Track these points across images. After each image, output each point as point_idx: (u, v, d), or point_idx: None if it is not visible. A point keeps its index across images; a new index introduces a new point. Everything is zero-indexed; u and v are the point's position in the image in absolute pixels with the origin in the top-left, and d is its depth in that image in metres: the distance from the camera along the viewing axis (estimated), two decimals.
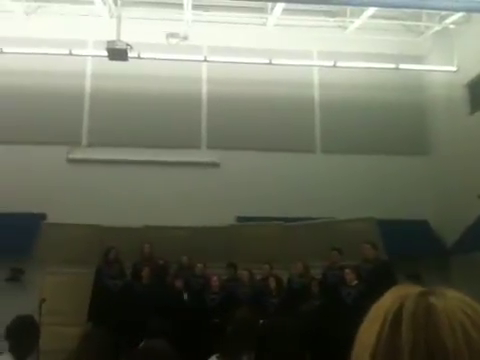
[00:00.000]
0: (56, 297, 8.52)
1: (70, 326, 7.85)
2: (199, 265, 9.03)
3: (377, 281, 7.20)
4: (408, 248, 9.86)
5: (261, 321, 4.17)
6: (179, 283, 8.49)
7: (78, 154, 11.02)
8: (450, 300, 0.82)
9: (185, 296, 8.37)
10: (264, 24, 11.51)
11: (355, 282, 7.82)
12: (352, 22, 11.39)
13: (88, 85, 11.30)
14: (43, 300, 7.96)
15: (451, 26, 11.15)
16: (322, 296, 8.00)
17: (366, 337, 0.82)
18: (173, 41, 10.69)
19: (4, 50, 10.35)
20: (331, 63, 11.18)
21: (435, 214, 10.96)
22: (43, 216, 10.17)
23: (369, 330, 0.83)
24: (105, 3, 10.54)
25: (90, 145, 11.12)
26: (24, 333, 3.78)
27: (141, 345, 2.61)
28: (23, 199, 10.12)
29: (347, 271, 7.92)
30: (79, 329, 6.41)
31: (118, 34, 9.31)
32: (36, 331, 4.02)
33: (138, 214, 9.94)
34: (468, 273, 9.85)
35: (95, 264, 9.12)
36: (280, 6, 10.53)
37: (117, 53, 8.92)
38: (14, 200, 10.03)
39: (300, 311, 7.55)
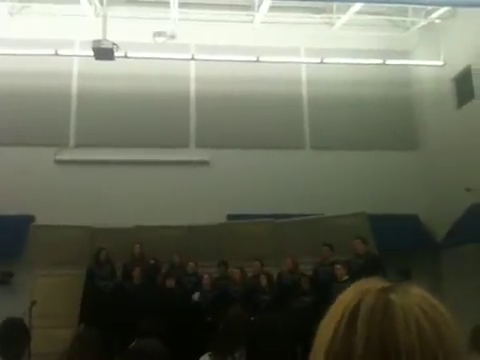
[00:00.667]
0: (47, 299, 8.46)
1: (61, 328, 7.80)
2: (191, 264, 9.01)
3: (367, 276, 7.21)
4: (398, 243, 9.91)
5: (252, 318, 4.17)
6: (170, 282, 8.47)
7: (66, 155, 10.94)
8: (410, 296, 0.83)
9: (195, 297, 8.34)
10: (251, 21, 11.49)
11: (345, 277, 7.84)
12: (339, 18, 11.42)
13: (75, 85, 11.23)
14: (33, 302, 7.90)
15: (437, 21, 11.20)
16: (313, 292, 8.00)
17: (324, 333, 0.83)
18: (160, 40, 10.64)
19: None
20: (318, 60, 11.19)
21: (425, 208, 11.03)
22: (32, 218, 10.09)
23: (327, 326, 0.83)
24: (90, 2, 10.46)
25: (78, 146, 11.05)
26: (14, 336, 3.74)
27: (133, 344, 2.59)
28: (11, 201, 10.02)
29: (338, 267, 7.95)
30: (70, 331, 6.37)
31: (104, 33, 9.25)
32: (26, 334, 3.98)
33: (128, 214, 9.89)
34: (458, 266, 9.93)
35: (86, 265, 9.07)
36: (267, 3, 10.52)
37: (103, 52, 8.87)
38: (2, 202, 9.93)
39: (291, 308, 7.56)
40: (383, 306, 0.80)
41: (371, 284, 0.85)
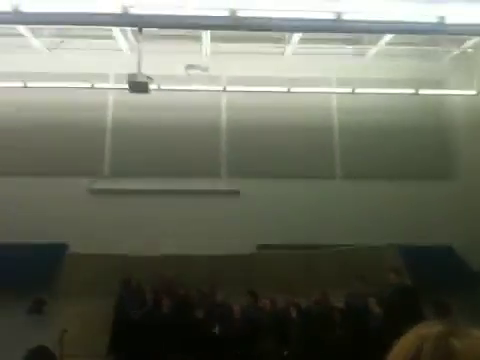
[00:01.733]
0: (78, 328, 8.51)
1: (92, 358, 7.81)
2: (220, 294, 8.95)
3: (403, 309, 7.02)
4: (433, 275, 9.63)
5: (285, 353, 4.09)
6: (200, 313, 8.41)
7: (100, 184, 11.15)
8: (473, 340, 0.77)
9: (216, 330, 8.24)
10: (282, 53, 11.63)
11: (378, 310, 7.65)
12: (370, 49, 11.44)
13: (110, 117, 11.51)
14: (65, 331, 7.94)
15: (469, 50, 11.12)
16: (345, 325, 7.81)
17: None
18: (192, 72, 10.85)
19: (28, 85, 10.62)
20: (350, 90, 11.20)
21: (460, 240, 10.73)
22: (66, 247, 10.25)
23: None
24: (126, 37, 10.80)
25: (112, 175, 11.26)
26: None
27: None
28: (47, 230, 10.24)
29: (371, 299, 7.77)
30: None
31: (139, 67, 9.48)
32: None
33: (160, 243, 9.95)
34: None
35: (116, 294, 9.11)
36: (297, 35, 10.65)
37: (138, 86, 9.07)
38: (37, 231, 10.16)
39: (323, 341, 7.39)
40: (444, 355, 0.76)
41: (431, 328, 0.81)
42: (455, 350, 0.76)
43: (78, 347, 8.38)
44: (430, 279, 9.33)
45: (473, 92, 10.98)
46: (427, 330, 0.81)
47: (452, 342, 0.77)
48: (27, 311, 9.91)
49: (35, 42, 10.98)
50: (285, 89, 10.99)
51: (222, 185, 11.34)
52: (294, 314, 8.21)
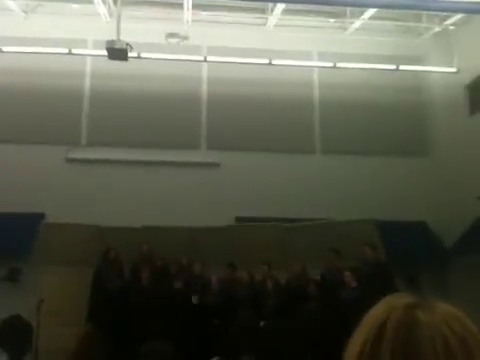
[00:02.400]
0: (55, 297, 8.48)
1: (69, 326, 7.79)
2: (198, 265, 9.00)
3: (376, 284, 7.18)
4: (407, 250, 9.84)
5: (261, 323, 4.16)
6: (178, 284, 8.47)
7: (77, 154, 11.00)
8: (437, 314, 0.81)
9: (193, 299, 8.30)
10: (264, 24, 11.50)
11: (354, 284, 7.81)
12: (352, 23, 11.39)
13: (87, 84, 11.28)
14: (41, 300, 7.92)
15: (451, 27, 11.15)
16: (320, 298, 7.95)
17: (352, 347, 0.84)
18: (173, 41, 10.67)
19: (3, 49, 10.31)
20: (331, 64, 11.17)
21: (434, 216, 10.95)
22: (42, 216, 10.14)
23: (356, 340, 0.84)
24: (105, 2, 10.52)
25: (89, 145, 11.10)
26: (15, 333, 3.77)
27: (144, 346, 2.60)
28: (22, 199, 10.09)
29: (346, 273, 7.91)
30: (78, 329, 6.38)
31: (118, 33, 9.28)
32: (28, 331, 4.01)
33: (137, 214, 9.91)
34: (467, 275, 9.84)
35: (94, 264, 9.09)
36: (280, 6, 10.52)
37: (117, 53, 8.90)
38: (13, 200, 10.00)
39: (298, 313, 7.53)
40: (408, 325, 0.80)
41: (399, 300, 0.85)
42: (419, 321, 0.80)
43: (55, 316, 8.39)
44: (404, 254, 9.54)
45: (453, 70, 11.07)
46: (396, 301, 0.85)
47: (417, 313, 0.81)
48: (3, 280, 9.86)
49: (11, 4, 10.61)
50: (266, 61, 10.90)
51: (202, 157, 11.30)
52: (270, 286, 8.32)
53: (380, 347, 0.79)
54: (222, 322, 6.68)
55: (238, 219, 10.66)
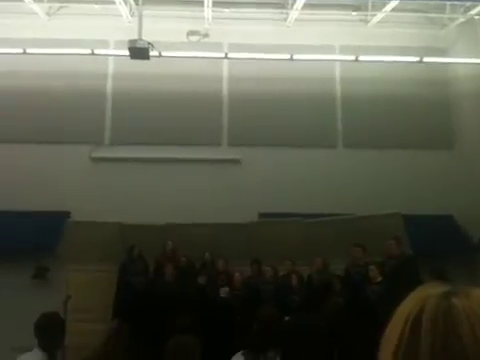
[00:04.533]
0: (81, 294, 8.62)
1: (95, 322, 7.93)
2: (221, 262, 9.04)
3: (402, 278, 7.10)
4: (433, 244, 9.71)
5: (286, 318, 4.15)
6: (202, 280, 8.51)
7: (101, 153, 11.12)
8: (473, 299, 0.80)
9: (222, 293, 8.33)
10: (285, 19, 11.44)
11: (379, 279, 7.73)
12: (374, 15, 11.24)
13: (110, 84, 11.40)
14: (68, 297, 8.06)
15: (476, 17, 10.90)
16: (345, 293, 7.90)
17: (389, 339, 0.83)
18: (194, 39, 10.70)
19: (27, 51, 10.47)
20: (353, 57, 11.04)
21: (461, 209, 10.75)
22: (67, 214, 10.29)
23: (392, 332, 0.83)
24: (126, 2, 10.60)
25: (113, 143, 11.22)
26: (52, 329, 3.86)
27: (171, 341, 2.61)
28: (48, 198, 10.27)
29: (372, 267, 7.83)
30: (104, 325, 6.48)
31: (139, 33, 9.35)
32: (62, 327, 4.11)
33: (160, 212, 9.98)
34: None
35: (119, 261, 9.20)
36: (301, 1, 10.45)
37: (139, 52, 8.97)
38: (39, 199, 10.20)
39: (323, 308, 7.49)
40: (445, 313, 0.79)
41: (432, 289, 0.83)
42: (455, 307, 0.79)
43: (81, 313, 8.53)
44: (431, 248, 9.41)
45: (478, 60, 10.82)
46: (428, 292, 0.84)
47: (453, 300, 0.80)
48: (31, 278, 10.05)
49: (35, 7, 10.77)
50: (287, 56, 10.84)
51: (223, 154, 11.31)
52: (295, 282, 8.31)
53: (418, 338, 0.78)
54: (246, 318, 6.69)
55: (261, 215, 10.64)
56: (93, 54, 10.62)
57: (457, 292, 0.82)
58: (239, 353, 3.29)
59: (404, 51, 11.13)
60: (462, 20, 11.16)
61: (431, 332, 0.78)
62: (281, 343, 2.29)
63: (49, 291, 9.38)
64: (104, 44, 11.06)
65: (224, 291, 8.37)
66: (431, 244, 9.56)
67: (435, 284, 0.86)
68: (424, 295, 0.83)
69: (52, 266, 9.93)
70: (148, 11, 10.21)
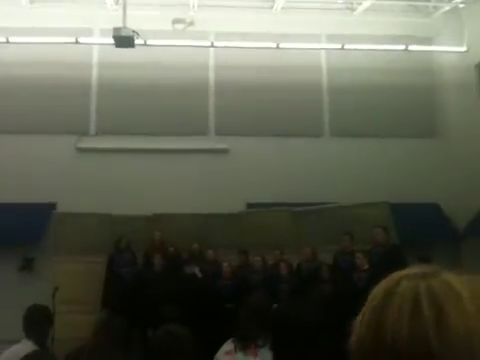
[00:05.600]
0: (69, 286, 8.58)
1: (84, 314, 7.91)
2: (210, 252, 9.05)
3: (388, 266, 7.16)
4: (419, 232, 9.80)
5: (275, 305, 4.17)
6: (190, 269, 8.52)
7: (86, 143, 11.01)
8: (434, 278, 0.81)
9: (195, 270, 8.38)
10: (271, 7, 11.37)
11: (366, 266, 7.80)
12: (360, 4, 11.23)
13: (95, 73, 11.26)
14: (56, 289, 8.02)
15: (461, 5, 10.95)
16: (333, 281, 7.97)
17: (364, 312, 0.85)
18: (179, 27, 10.60)
19: (10, 40, 10.30)
20: (339, 46, 11.04)
21: (446, 197, 10.86)
22: (53, 206, 10.20)
23: (368, 305, 0.85)
24: None
25: (98, 134, 11.11)
26: (40, 321, 3.85)
27: (160, 329, 2.60)
28: (33, 189, 10.16)
29: (358, 255, 7.90)
30: (93, 317, 6.45)
31: (124, 21, 9.24)
32: (51, 319, 4.11)
33: (148, 202, 9.94)
34: (479, 257, 9.78)
35: (106, 252, 9.17)
36: None
37: (124, 40, 8.87)
38: (24, 190, 10.08)
39: (311, 296, 7.54)
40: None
41: (412, 270, 0.85)
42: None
43: (70, 304, 8.49)
44: (416, 236, 9.51)
45: (463, 49, 10.90)
46: (409, 270, 0.86)
47: (428, 281, 0.81)
48: (17, 270, 9.97)
49: None
50: (274, 45, 10.80)
51: (211, 143, 11.26)
52: (284, 271, 8.35)
53: (387, 313, 0.79)
54: (236, 306, 6.71)
55: (249, 205, 10.65)
56: (77, 43, 10.48)
57: (432, 274, 0.83)
58: (229, 341, 3.30)
59: (389, 40, 11.16)
60: (447, 8, 11.20)
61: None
62: (271, 330, 2.30)
63: (36, 283, 9.32)
64: (88, 32, 10.91)
65: (191, 269, 8.41)
66: (417, 233, 9.65)
67: (417, 267, 0.86)
68: (404, 273, 0.85)
69: (38, 258, 9.87)
70: None
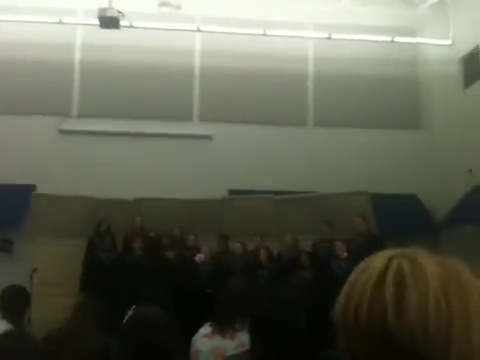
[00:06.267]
0: (47, 268, 8.52)
1: (62, 296, 7.85)
2: (191, 237, 9.06)
3: (368, 254, 7.23)
4: (397, 222, 9.90)
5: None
6: (170, 254, 8.52)
7: (68, 125, 10.88)
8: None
9: (197, 258, 8.41)
10: None
11: (345, 255, 7.89)
12: None
13: (78, 55, 11.10)
14: (34, 270, 7.95)
15: None
16: (312, 268, 8.05)
17: (350, 294, 0.82)
18: (165, 10, 10.48)
19: None
20: (326, 35, 11.03)
21: (425, 189, 10.99)
22: (33, 187, 10.08)
23: (355, 286, 0.82)
24: None
25: (81, 116, 10.97)
26: (16, 301, 3.81)
27: (133, 311, 2.61)
28: (13, 170, 10.01)
29: (338, 244, 7.98)
30: (71, 300, 6.42)
31: (110, 1, 9.10)
32: (27, 299, 4.08)
33: (129, 186, 9.88)
34: (458, 248, 9.92)
35: (86, 236, 9.10)
36: None
37: (109, 21, 8.76)
38: (4, 171, 9.92)
39: (290, 282, 7.61)
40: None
41: (396, 251, 0.85)
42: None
43: (48, 287, 8.43)
44: (394, 226, 9.61)
45: (448, 42, 10.97)
46: (390, 250, 0.84)
47: (419, 260, 0.81)
48: None
49: None
50: (261, 31, 10.75)
51: (194, 129, 11.22)
52: (264, 257, 8.40)
53: (383, 294, 0.77)
54: (215, 291, 6.75)
55: (231, 191, 10.66)
56: (61, 23, 10.30)
57: (411, 253, 0.83)
58: (207, 324, 3.32)
59: (376, 30, 11.18)
60: (434, 1, 11.25)
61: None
62: (249, 313, 2.31)
63: (14, 265, 9.21)
64: (72, 12, 10.73)
65: (199, 257, 8.44)
66: (395, 222, 9.75)
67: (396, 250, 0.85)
68: (390, 254, 0.83)
69: (17, 240, 9.76)
70: None
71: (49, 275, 8.49)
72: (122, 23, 9.19)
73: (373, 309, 0.76)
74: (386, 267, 0.79)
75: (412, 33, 11.55)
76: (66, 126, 10.83)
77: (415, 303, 0.74)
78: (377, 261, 0.82)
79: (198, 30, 10.85)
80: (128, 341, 2.26)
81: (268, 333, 2.10)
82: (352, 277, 0.83)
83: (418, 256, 0.82)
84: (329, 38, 11.01)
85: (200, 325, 3.50)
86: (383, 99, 11.47)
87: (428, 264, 0.80)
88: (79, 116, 10.97)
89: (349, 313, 0.78)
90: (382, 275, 0.78)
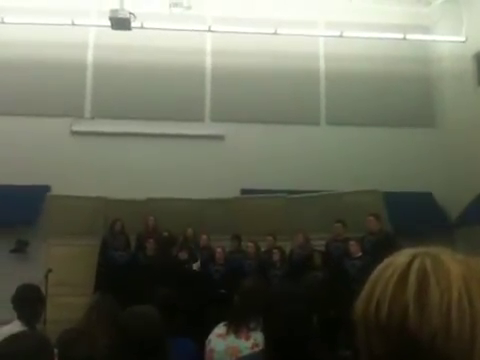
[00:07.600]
0: (62, 268, 8.59)
1: (77, 296, 7.92)
2: (204, 237, 9.07)
3: (382, 253, 7.18)
4: (412, 221, 9.83)
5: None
6: (183, 254, 8.54)
7: (81, 126, 10.95)
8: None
9: (194, 266, 8.41)
10: None
11: (359, 254, 7.85)
12: None
13: (91, 56, 11.17)
14: (49, 270, 8.01)
15: None
16: (325, 268, 8.01)
17: (372, 291, 0.83)
18: (176, 11, 10.50)
19: (5, 20, 10.18)
20: (337, 33, 10.97)
21: (440, 186, 10.90)
22: (47, 188, 10.17)
23: (377, 284, 0.82)
24: None
25: (93, 117, 11.04)
26: (31, 301, 3.83)
27: (126, 310, 2.63)
28: (27, 171, 10.11)
29: (352, 243, 7.95)
30: (86, 299, 6.46)
31: (121, 3, 9.15)
32: (42, 299, 4.09)
33: (142, 187, 9.93)
34: (472, 246, 9.84)
35: (100, 236, 9.17)
36: None
37: (120, 22, 8.79)
38: (19, 172, 10.03)
39: (304, 281, 7.57)
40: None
41: (417, 250, 0.85)
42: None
43: (62, 287, 8.50)
44: (409, 225, 9.54)
45: (461, 39, 10.86)
46: (414, 249, 0.85)
47: (441, 257, 0.82)
48: (10, 251, 9.96)
49: None
50: (272, 31, 10.73)
51: (206, 129, 11.23)
52: (276, 257, 8.38)
53: (405, 291, 0.77)
54: (228, 291, 6.75)
55: (243, 191, 10.65)
56: (73, 24, 10.38)
57: (433, 252, 0.83)
58: (221, 324, 3.31)
59: (388, 28, 11.10)
60: None
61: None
62: (261, 313, 2.31)
63: (29, 265, 9.31)
64: (85, 14, 10.80)
65: (196, 265, 8.44)
66: (410, 221, 9.68)
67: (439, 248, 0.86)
68: (412, 253, 0.84)
69: (32, 240, 9.85)
70: None
71: (64, 275, 8.56)
72: (133, 24, 9.22)
73: (394, 306, 0.76)
74: (409, 265, 0.79)
75: (425, 30, 11.44)
76: (79, 127, 10.91)
77: (437, 301, 0.74)
78: (400, 259, 0.82)
79: (209, 30, 10.85)
80: (121, 334, 2.33)
81: (281, 333, 2.10)
82: (375, 275, 0.84)
83: (441, 255, 0.82)
84: (341, 36, 10.94)
85: (214, 325, 3.49)
86: (395, 97, 11.38)
87: (451, 263, 0.80)
88: (92, 117, 11.03)
89: (370, 310, 0.78)
90: (405, 273, 0.78)
